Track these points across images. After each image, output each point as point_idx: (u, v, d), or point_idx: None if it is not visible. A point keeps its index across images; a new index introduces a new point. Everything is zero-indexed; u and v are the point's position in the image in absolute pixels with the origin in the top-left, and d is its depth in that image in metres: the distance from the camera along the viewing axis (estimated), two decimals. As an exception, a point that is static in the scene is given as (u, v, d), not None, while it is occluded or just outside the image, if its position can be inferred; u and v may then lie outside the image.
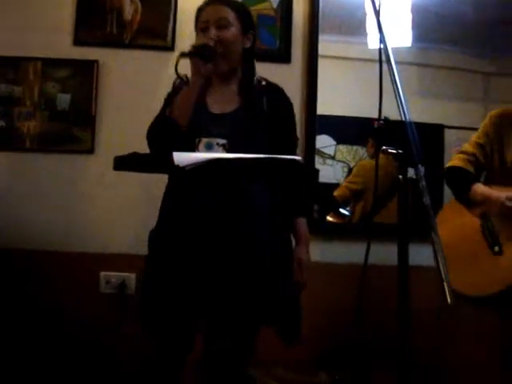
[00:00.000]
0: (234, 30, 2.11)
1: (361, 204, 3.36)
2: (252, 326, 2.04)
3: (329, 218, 3.37)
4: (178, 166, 1.39)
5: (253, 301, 1.98)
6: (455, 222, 2.55)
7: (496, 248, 2.40)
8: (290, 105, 2.26)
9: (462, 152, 2.64)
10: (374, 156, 3.32)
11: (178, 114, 1.99)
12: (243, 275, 1.97)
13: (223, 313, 1.97)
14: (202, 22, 2.12)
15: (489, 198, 2.44)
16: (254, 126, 2.09)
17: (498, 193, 2.42)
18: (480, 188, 2.49)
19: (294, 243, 2.19)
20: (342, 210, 3.39)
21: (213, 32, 2.06)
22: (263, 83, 2.21)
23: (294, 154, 2.22)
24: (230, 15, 2.11)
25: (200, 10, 2.17)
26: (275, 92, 2.22)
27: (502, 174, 2.52)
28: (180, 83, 2.13)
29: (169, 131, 1.98)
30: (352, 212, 3.40)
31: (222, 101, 2.15)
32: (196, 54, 1.98)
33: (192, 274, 1.96)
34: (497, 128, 2.59)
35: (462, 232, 2.51)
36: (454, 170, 2.62)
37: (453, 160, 2.66)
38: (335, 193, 3.36)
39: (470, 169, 2.58)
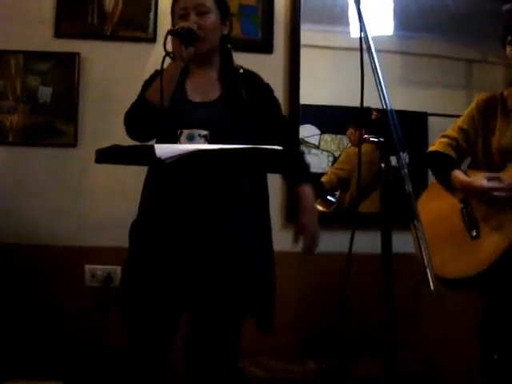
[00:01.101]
0: (213, 17, 2.11)
1: (349, 192, 3.38)
2: (232, 315, 2.04)
3: (316, 206, 3.38)
4: (159, 158, 1.39)
5: (230, 290, 1.97)
6: (435, 205, 2.55)
7: (474, 232, 2.41)
8: (268, 89, 2.25)
9: (444, 136, 2.62)
10: (358, 144, 3.34)
11: (156, 96, 1.94)
12: (219, 262, 1.96)
13: (202, 300, 1.97)
14: (180, 9, 2.11)
15: (469, 185, 2.44)
16: (237, 115, 2.08)
17: (479, 180, 2.41)
18: (458, 175, 2.49)
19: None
20: (329, 197, 3.40)
21: (193, 18, 2.06)
22: (241, 71, 2.21)
23: (289, 133, 2.29)
24: (209, 1, 2.11)
25: None
26: (253, 79, 2.22)
27: (486, 160, 2.51)
28: (157, 73, 2.11)
29: (147, 113, 1.98)
30: (339, 200, 3.41)
31: (203, 89, 2.14)
32: (183, 34, 1.95)
33: (169, 259, 1.96)
34: (482, 113, 2.56)
35: (441, 215, 2.51)
36: (435, 154, 2.61)
37: (434, 144, 2.65)
38: (322, 179, 3.38)
39: (451, 153, 2.57)
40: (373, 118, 3.28)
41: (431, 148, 2.66)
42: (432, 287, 1.36)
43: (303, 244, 2.15)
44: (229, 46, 2.23)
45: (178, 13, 2.13)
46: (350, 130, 3.41)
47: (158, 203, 2.04)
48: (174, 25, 2.15)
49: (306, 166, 2.24)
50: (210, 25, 2.09)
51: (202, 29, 2.04)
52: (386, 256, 1.51)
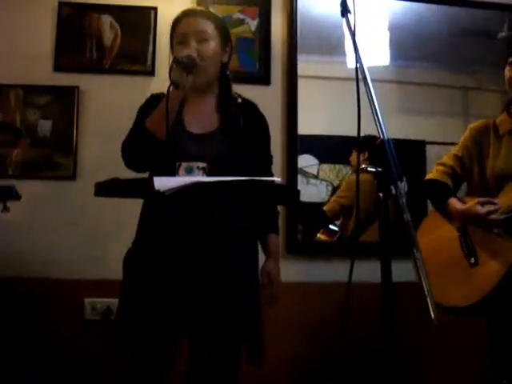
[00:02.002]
0: (214, 45, 2.06)
1: (352, 220, 3.37)
2: (230, 344, 2.03)
3: (319, 236, 3.37)
4: (158, 191, 1.39)
5: (227, 320, 1.96)
6: (435, 233, 2.56)
7: (472, 260, 2.41)
8: (264, 122, 2.24)
9: (440, 164, 2.66)
10: (356, 170, 3.35)
11: (157, 126, 1.88)
12: (216, 292, 1.95)
13: (200, 330, 1.96)
14: (180, 35, 2.07)
15: (465, 212, 2.45)
16: (235, 147, 2.06)
17: (474, 207, 2.42)
18: (454, 203, 2.50)
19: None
20: (331, 227, 3.39)
21: (193, 45, 2.01)
22: (239, 100, 2.18)
23: (270, 171, 2.24)
24: (210, 28, 2.07)
25: (177, 22, 2.11)
26: (251, 109, 2.20)
27: (482, 186, 2.54)
28: (152, 98, 2.12)
29: (147, 143, 1.91)
30: (342, 228, 3.40)
31: (201, 119, 2.10)
32: (186, 63, 1.88)
33: (166, 290, 1.94)
34: (476, 140, 2.61)
35: (441, 243, 2.52)
36: (432, 182, 2.64)
37: (431, 172, 2.68)
38: (325, 207, 3.38)
39: (448, 181, 2.60)
40: (377, 143, 3.29)
41: (428, 176, 2.69)
42: (433, 316, 1.35)
43: (266, 292, 2.15)
44: (228, 73, 2.19)
45: (177, 39, 2.08)
46: (354, 155, 3.41)
47: (155, 235, 2.02)
48: (172, 50, 2.12)
49: (277, 214, 2.26)
50: (211, 52, 2.05)
51: (203, 57, 1.98)
52: (386, 285, 1.51)
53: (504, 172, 2.46)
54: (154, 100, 2.11)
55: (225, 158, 2.01)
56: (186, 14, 2.11)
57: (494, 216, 2.37)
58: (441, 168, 2.64)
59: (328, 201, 3.40)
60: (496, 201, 2.40)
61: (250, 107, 2.21)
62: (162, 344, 2.00)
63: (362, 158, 3.34)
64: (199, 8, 2.18)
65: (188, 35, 2.04)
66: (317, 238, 3.37)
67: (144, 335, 1.97)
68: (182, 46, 2.03)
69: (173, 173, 1.87)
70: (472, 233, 2.45)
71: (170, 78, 1.86)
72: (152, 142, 1.90)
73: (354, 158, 3.42)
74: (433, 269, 2.46)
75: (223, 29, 2.15)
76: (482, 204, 2.41)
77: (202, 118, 2.11)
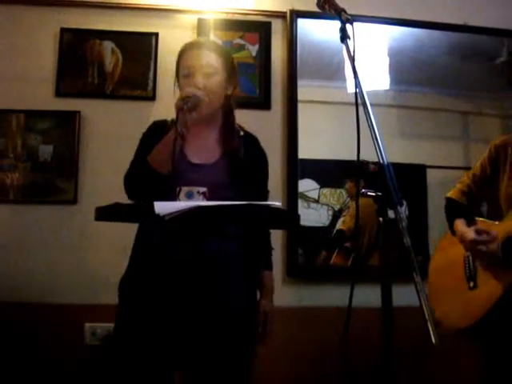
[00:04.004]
0: (219, 78, 2.05)
1: (365, 239, 3.34)
2: (224, 372, 2.00)
3: (334, 260, 3.32)
4: (158, 215, 1.40)
5: (220, 349, 1.96)
6: (448, 252, 2.56)
7: (471, 283, 2.39)
8: (264, 157, 2.23)
9: (460, 182, 2.64)
10: (355, 197, 3.35)
11: (161, 163, 1.89)
12: (210, 322, 1.94)
13: (195, 360, 1.95)
14: (185, 68, 2.06)
15: (461, 236, 2.44)
16: (234, 178, 2.04)
17: (469, 232, 2.40)
18: (458, 225, 2.49)
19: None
20: (346, 245, 3.35)
21: (199, 80, 2.00)
22: (241, 133, 2.17)
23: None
24: (217, 62, 2.06)
25: (183, 54, 2.10)
26: (252, 143, 2.19)
27: (496, 208, 2.51)
28: (155, 126, 2.12)
29: (149, 178, 1.91)
30: (355, 249, 3.36)
31: (202, 149, 2.08)
32: (192, 105, 1.87)
33: (162, 317, 1.92)
34: (493, 158, 2.54)
35: (450, 263, 2.51)
36: (449, 200, 2.63)
37: (451, 190, 2.65)
38: (342, 226, 3.34)
39: (462, 200, 2.58)
40: (371, 170, 3.29)
41: (448, 194, 2.66)
42: (433, 340, 1.35)
43: (261, 329, 2.13)
44: (231, 104, 2.17)
45: (182, 71, 2.07)
46: (349, 184, 3.41)
47: (150, 260, 1.99)
48: (178, 81, 2.11)
49: (271, 250, 2.25)
50: (216, 87, 2.03)
51: (208, 91, 1.97)
52: (387, 310, 1.50)
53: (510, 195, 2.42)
54: (157, 128, 2.11)
55: (223, 185, 2.00)
56: (192, 47, 2.10)
57: (480, 246, 2.35)
58: (459, 186, 2.62)
59: (338, 222, 3.37)
60: (494, 232, 2.34)
61: (251, 141, 2.20)
62: (158, 374, 1.98)
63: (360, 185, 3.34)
64: (206, 40, 2.17)
65: (194, 69, 2.03)
66: (332, 260, 3.32)
67: (139, 364, 1.94)
68: (188, 81, 2.02)
69: (173, 197, 1.87)
70: (476, 255, 2.43)
71: (175, 127, 1.85)
72: (155, 177, 1.90)
73: (350, 186, 3.42)
74: (439, 290, 2.48)
75: (229, 62, 2.14)
76: (478, 232, 2.37)
77: (203, 148, 2.09)
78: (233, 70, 2.17)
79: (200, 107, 1.91)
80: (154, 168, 1.91)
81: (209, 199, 1.84)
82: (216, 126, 2.15)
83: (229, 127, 2.16)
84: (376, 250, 3.11)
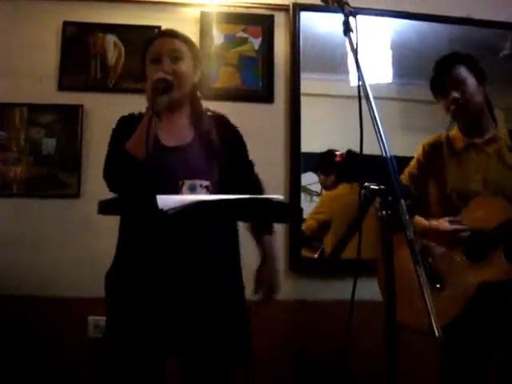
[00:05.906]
0: (187, 63, 2.12)
1: (329, 235, 3.34)
2: (218, 360, 2.03)
3: (303, 253, 3.31)
4: (161, 209, 1.39)
5: (214, 335, 1.97)
6: (399, 253, 2.54)
7: (437, 285, 2.37)
8: (237, 132, 2.26)
9: None
10: (330, 187, 3.40)
11: (138, 148, 1.88)
12: (201, 309, 1.96)
13: (188, 348, 1.96)
14: (153, 53, 2.13)
15: (434, 230, 2.43)
16: (209, 158, 2.08)
17: (443, 224, 2.40)
18: (419, 219, 2.47)
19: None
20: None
21: (167, 64, 2.07)
22: (209, 113, 2.22)
23: (253, 175, 2.27)
24: (183, 48, 2.13)
25: (150, 42, 2.17)
26: (222, 122, 2.24)
27: (441, 203, 2.51)
28: (124, 119, 2.16)
29: (130, 166, 1.90)
30: (322, 244, 3.37)
31: (175, 133, 2.12)
32: (163, 89, 1.94)
33: (152, 309, 1.94)
34: (430, 156, 2.58)
35: (404, 263, 2.50)
36: None
37: None
38: (303, 227, 3.31)
39: None
40: (337, 160, 3.29)
41: None
42: (437, 334, 1.34)
43: (262, 291, 2.15)
44: (198, 93, 2.24)
45: (150, 56, 2.14)
46: (321, 176, 3.41)
47: (138, 252, 2.02)
48: (144, 69, 2.18)
49: None
50: (184, 71, 2.10)
51: (177, 74, 2.04)
52: (390, 303, 1.50)
53: (462, 189, 2.44)
54: (126, 121, 2.15)
55: (199, 166, 2.05)
56: (159, 35, 2.20)
57: (462, 234, 2.36)
58: None
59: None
60: (464, 221, 2.37)
61: (221, 120, 2.25)
62: (151, 364, 1.99)
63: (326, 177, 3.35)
64: (171, 29, 2.23)
65: (162, 54, 2.10)
66: (302, 255, 3.28)
67: (132, 355, 1.96)
68: (156, 65, 2.09)
69: (176, 191, 1.87)
70: (438, 257, 2.42)
71: (152, 110, 1.87)
72: (134, 163, 1.90)
73: (322, 179, 3.42)
74: (403, 291, 2.44)
75: (193, 49, 2.21)
76: (451, 222, 2.39)
77: (176, 132, 2.13)
78: (197, 58, 2.22)
79: (171, 91, 1.98)
80: (131, 153, 1.91)
81: (212, 192, 1.84)
82: (185, 111, 2.19)
83: (198, 113, 2.20)
84: (348, 242, 3.10)
